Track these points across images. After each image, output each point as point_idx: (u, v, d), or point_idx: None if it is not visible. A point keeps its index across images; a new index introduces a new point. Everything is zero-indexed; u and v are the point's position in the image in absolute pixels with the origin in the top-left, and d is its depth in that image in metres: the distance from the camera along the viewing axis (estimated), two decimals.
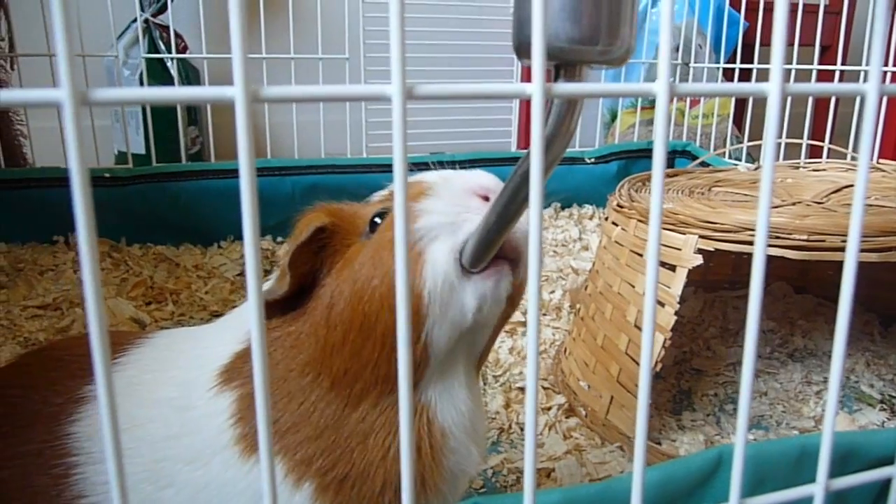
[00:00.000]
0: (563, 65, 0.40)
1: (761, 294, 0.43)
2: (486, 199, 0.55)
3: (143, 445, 0.57)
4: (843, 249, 0.85)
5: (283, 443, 0.55)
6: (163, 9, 2.15)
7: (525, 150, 0.58)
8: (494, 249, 0.50)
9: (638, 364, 0.95)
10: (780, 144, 1.62)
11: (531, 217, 0.36)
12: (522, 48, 0.40)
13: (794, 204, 1.03)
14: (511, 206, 0.46)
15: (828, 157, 1.48)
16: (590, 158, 1.97)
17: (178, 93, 0.31)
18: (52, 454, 0.58)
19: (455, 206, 0.54)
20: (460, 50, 2.15)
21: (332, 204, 0.61)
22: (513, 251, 0.55)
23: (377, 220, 0.57)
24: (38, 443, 0.59)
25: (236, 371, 0.58)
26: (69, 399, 0.61)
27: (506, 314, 0.58)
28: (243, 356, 0.58)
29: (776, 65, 0.40)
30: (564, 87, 0.36)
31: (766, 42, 1.67)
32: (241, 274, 1.57)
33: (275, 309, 0.58)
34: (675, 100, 2.18)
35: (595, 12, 0.39)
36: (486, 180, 0.56)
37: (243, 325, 0.61)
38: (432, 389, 0.56)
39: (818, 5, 1.65)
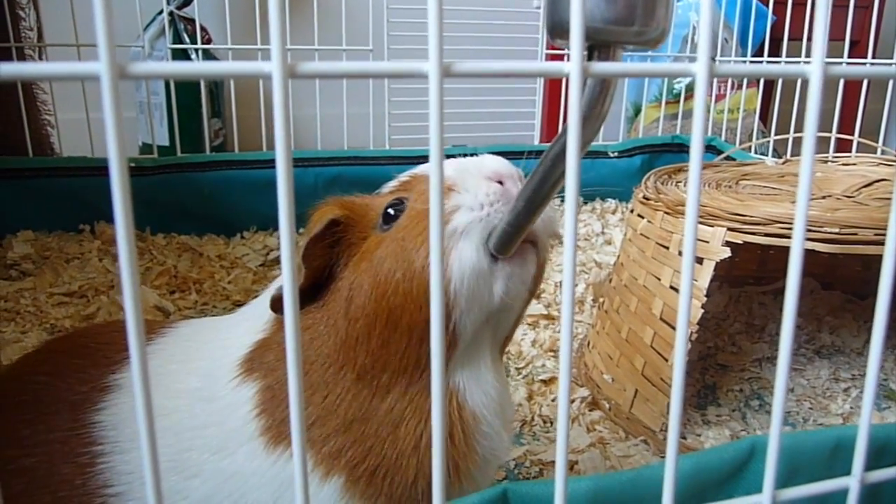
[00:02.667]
0: (597, 46, 0.40)
1: (799, 282, 0.42)
2: (501, 182, 0.55)
3: (169, 435, 0.57)
4: (875, 243, 0.84)
5: (309, 436, 0.55)
6: (187, 1, 2.16)
7: (548, 143, 0.58)
8: (523, 235, 0.50)
9: (664, 357, 0.94)
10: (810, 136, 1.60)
11: (567, 199, 0.36)
12: (557, 29, 0.40)
13: (824, 197, 1.01)
14: (540, 191, 0.46)
15: (857, 152, 1.46)
16: (613, 152, 1.96)
17: (214, 67, 0.31)
18: (77, 442, 0.58)
19: (479, 198, 0.53)
20: (483, 30, 2.15)
21: (345, 197, 0.61)
22: (531, 234, 0.54)
23: (390, 210, 0.57)
24: (64, 431, 0.59)
25: (257, 362, 0.58)
26: (94, 387, 0.61)
27: (528, 296, 0.58)
28: (263, 346, 0.58)
29: (818, 47, 0.39)
30: (602, 67, 0.35)
31: (794, 36, 1.65)
32: (264, 264, 1.58)
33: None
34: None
35: None
36: (498, 165, 0.56)
37: (262, 315, 0.61)
38: (460, 374, 0.56)
39: (847, 0, 1.63)
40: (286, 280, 0.32)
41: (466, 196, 0.54)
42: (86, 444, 0.58)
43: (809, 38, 1.66)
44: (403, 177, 0.60)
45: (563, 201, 0.56)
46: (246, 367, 0.58)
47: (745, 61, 2.02)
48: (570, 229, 0.36)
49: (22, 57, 1.55)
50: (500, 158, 0.57)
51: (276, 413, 0.55)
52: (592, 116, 0.41)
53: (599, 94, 0.40)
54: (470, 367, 0.56)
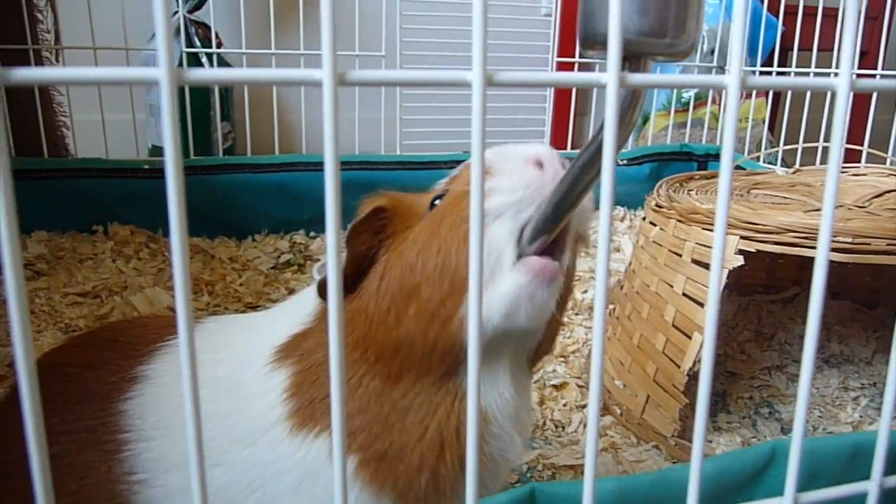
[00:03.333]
0: (629, 57, 0.41)
1: (824, 288, 0.43)
2: (541, 164, 0.54)
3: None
4: (888, 253, 0.85)
5: (330, 418, 0.55)
6: (199, 6, 2.18)
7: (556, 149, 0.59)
8: (552, 236, 0.50)
9: (676, 364, 0.95)
10: (837, 147, 1.61)
11: (602, 207, 0.37)
12: (590, 40, 0.41)
13: (836, 207, 1.02)
14: (568, 197, 0.47)
15: (866, 162, 1.46)
16: (622, 160, 1.97)
17: (269, 74, 0.32)
18: (104, 430, 0.59)
19: (517, 183, 0.53)
20: (493, 37, 2.17)
21: (396, 192, 0.62)
22: (558, 243, 0.54)
23: (436, 201, 0.57)
24: (92, 419, 0.60)
25: (292, 349, 0.59)
26: (122, 378, 0.62)
27: (556, 313, 0.56)
28: (300, 337, 0.59)
29: (846, 60, 0.40)
30: (637, 78, 0.36)
31: (805, 46, 1.66)
32: (275, 267, 1.59)
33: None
34: (709, 103, 2.17)
35: (664, 6, 0.39)
36: (540, 149, 0.56)
37: (302, 309, 0.61)
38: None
39: (859, 11, 1.63)
40: (331, 280, 0.33)
41: (502, 179, 0.53)
42: (112, 431, 0.59)
43: (820, 49, 1.67)
44: (455, 171, 0.61)
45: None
46: (280, 354, 0.59)
47: (754, 71, 2.03)
48: (603, 245, 0.37)
49: (39, 60, 1.57)
50: (542, 145, 0.56)
51: (304, 395, 0.56)
52: (622, 125, 0.42)
53: (630, 104, 0.41)
54: (486, 367, 0.57)
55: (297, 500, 0.56)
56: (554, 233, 0.50)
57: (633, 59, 0.40)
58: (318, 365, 0.57)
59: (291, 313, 0.62)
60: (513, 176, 0.53)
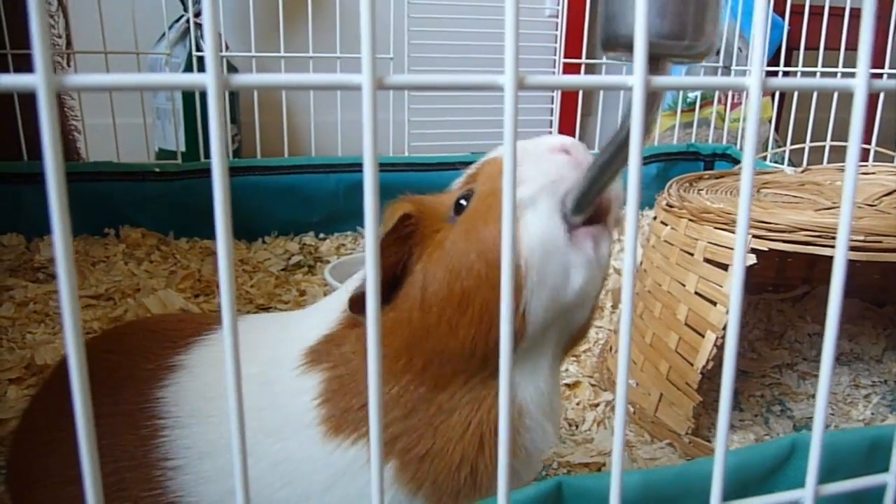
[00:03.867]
0: (648, 59, 0.41)
1: (843, 285, 0.44)
2: (567, 152, 0.54)
3: (223, 416, 0.59)
4: None
5: (367, 427, 0.55)
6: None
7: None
8: (594, 203, 0.50)
9: (689, 362, 0.95)
10: (854, 146, 1.62)
11: (629, 205, 0.38)
12: (611, 42, 0.41)
13: None
14: (617, 156, 0.47)
15: (874, 161, 1.47)
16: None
17: (309, 79, 0.33)
18: (141, 416, 0.60)
19: (545, 167, 0.53)
20: (498, 39, 2.18)
21: (414, 195, 0.62)
22: (602, 212, 0.54)
23: (462, 201, 0.57)
24: (129, 404, 0.61)
25: (325, 353, 0.59)
26: (160, 366, 0.63)
27: (602, 285, 0.57)
28: (332, 340, 0.60)
29: (863, 61, 0.41)
30: (662, 80, 0.37)
31: (811, 45, 1.67)
32: (286, 269, 1.60)
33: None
34: (715, 103, 2.18)
35: (682, 8, 0.40)
36: (561, 138, 0.56)
37: (334, 311, 0.62)
38: (519, 368, 0.57)
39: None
40: (370, 283, 0.34)
41: (530, 169, 0.53)
42: (149, 417, 0.60)
43: (827, 48, 1.68)
44: (471, 169, 0.61)
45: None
46: (312, 357, 0.59)
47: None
48: (631, 248, 0.38)
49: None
50: (558, 135, 0.57)
51: (339, 403, 0.57)
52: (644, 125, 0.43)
53: (648, 107, 0.42)
54: (530, 363, 0.57)
55: (329, 499, 0.57)
56: (597, 198, 0.50)
57: (651, 61, 0.41)
58: (354, 373, 0.57)
59: (321, 315, 0.62)
60: (540, 163, 0.54)
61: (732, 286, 0.40)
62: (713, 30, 0.42)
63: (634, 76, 0.36)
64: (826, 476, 0.49)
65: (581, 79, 0.35)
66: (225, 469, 0.58)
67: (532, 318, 0.53)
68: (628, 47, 0.37)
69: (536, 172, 0.53)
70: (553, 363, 0.59)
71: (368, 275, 0.34)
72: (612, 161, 0.47)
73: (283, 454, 0.57)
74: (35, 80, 0.30)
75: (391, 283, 0.58)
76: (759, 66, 0.37)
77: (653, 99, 0.42)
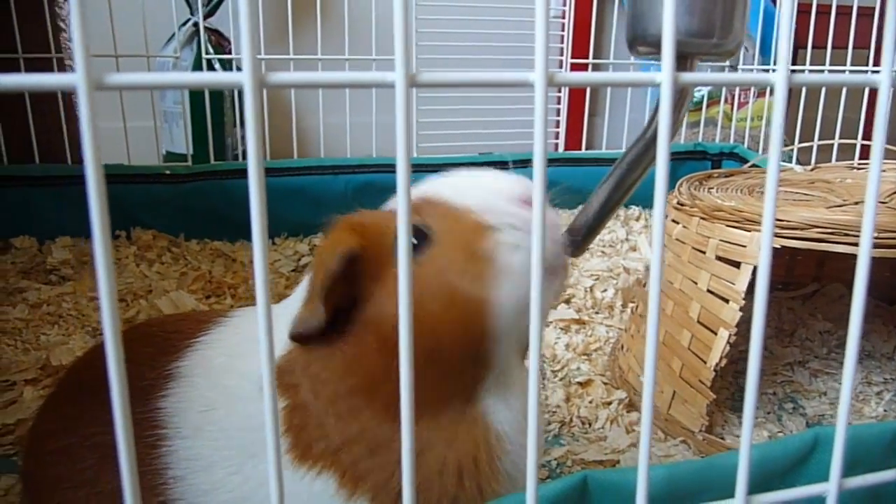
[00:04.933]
0: (676, 57, 0.42)
1: (866, 281, 0.44)
2: (528, 203, 0.54)
3: (214, 430, 0.59)
4: None
5: (334, 459, 0.55)
6: (211, 12, 2.20)
7: (572, 151, 0.60)
8: (596, 234, 0.52)
9: (702, 360, 0.96)
10: (879, 143, 1.62)
11: (656, 207, 0.38)
12: (637, 41, 0.42)
13: (856, 203, 1.03)
14: (615, 194, 0.48)
15: (884, 159, 1.47)
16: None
17: (344, 77, 0.33)
18: (146, 425, 0.60)
19: (523, 220, 0.53)
20: (503, 39, 2.19)
21: (354, 218, 0.58)
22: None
23: (413, 240, 0.54)
24: (135, 413, 0.61)
25: (280, 379, 0.57)
26: (160, 374, 0.63)
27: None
28: (284, 368, 0.58)
29: (888, 57, 0.41)
30: (689, 77, 0.37)
31: (818, 44, 1.67)
32: (296, 269, 1.60)
33: (314, 336, 0.56)
34: (722, 102, 2.18)
35: (711, 7, 0.40)
36: (521, 187, 0.56)
37: (285, 329, 0.58)
38: (489, 397, 0.57)
39: (873, 8, 1.65)
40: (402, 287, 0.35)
41: (508, 233, 0.53)
42: (153, 427, 0.60)
43: (835, 47, 1.68)
44: (413, 199, 0.59)
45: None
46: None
47: (766, 69, 2.05)
48: (658, 241, 0.38)
49: (62, 68, 1.59)
50: (510, 177, 0.56)
51: (300, 434, 0.56)
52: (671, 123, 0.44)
53: (676, 104, 0.43)
54: (498, 387, 0.57)
55: None
56: (599, 231, 0.51)
57: (680, 58, 0.42)
58: (308, 403, 0.56)
59: (278, 334, 0.59)
60: (514, 222, 0.54)
61: (759, 279, 0.41)
62: (741, 27, 0.43)
63: (663, 72, 0.36)
64: (848, 470, 0.49)
65: (610, 76, 0.36)
66: (216, 485, 0.58)
67: (502, 355, 0.54)
68: (656, 45, 0.37)
69: (513, 239, 0.53)
70: (519, 376, 0.58)
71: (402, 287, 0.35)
72: (634, 167, 0.48)
73: (262, 477, 0.56)
74: (75, 79, 0.31)
75: (337, 313, 0.55)
76: (785, 62, 0.38)
77: (681, 96, 0.43)
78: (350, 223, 0.56)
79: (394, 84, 0.33)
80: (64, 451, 0.63)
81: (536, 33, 0.34)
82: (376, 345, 0.54)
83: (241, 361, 0.61)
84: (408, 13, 0.32)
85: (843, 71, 1.65)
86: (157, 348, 0.66)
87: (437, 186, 0.57)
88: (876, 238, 0.87)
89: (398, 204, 0.34)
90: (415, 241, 0.53)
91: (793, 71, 0.39)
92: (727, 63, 2.16)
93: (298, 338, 0.56)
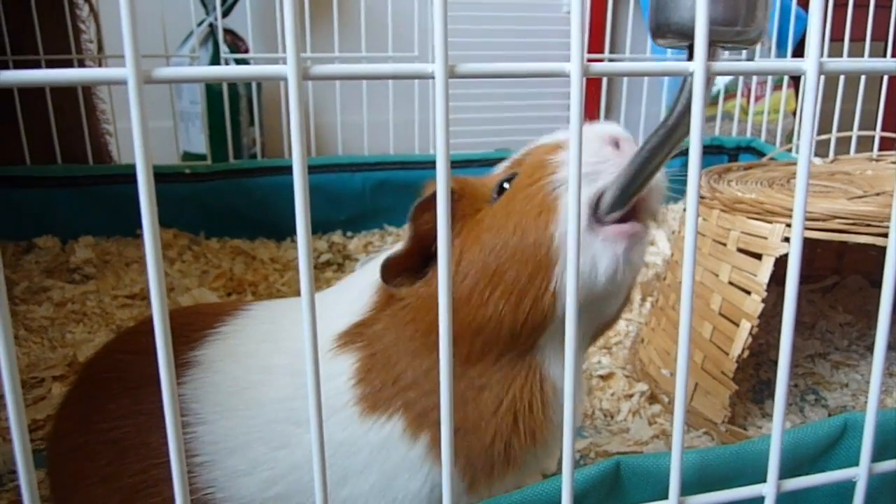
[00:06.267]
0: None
1: (895, 269, 0.45)
2: (617, 145, 0.56)
3: (255, 407, 0.60)
4: None
5: (404, 398, 0.57)
6: (226, 13, 2.21)
7: None
8: (630, 202, 0.52)
9: (724, 351, 0.96)
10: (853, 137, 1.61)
11: (689, 197, 0.39)
12: (661, 29, 0.42)
13: (877, 194, 1.03)
14: (634, 182, 0.49)
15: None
16: None
17: (385, 69, 0.34)
18: (161, 414, 0.62)
19: (590, 156, 0.54)
20: (513, 35, 2.19)
21: (459, 176, 0.62)
22: (639, 210, 0.56)
23: (505, 184, 0.59)
24: (150, 403, 0.62)
25: (357, 335, 0.60)
26: (176, 363, 0.64)
27: (634, 280, 0.59)
28: (364, 323, 0.61)
29: None
30: (720, 66, 0.38)
31: (836, 37, 1.67)
32: (315, 267, 1.62)
33: (401, 275, 0.60)
34: (738, 95, 2.18)
35: None
36: (616, 129, 0.58)
37: (361, 294, 0.63)
38: (549, 348, 0.58)
39: (890, 1, 1.64)
40: (442, 270, 0.35)
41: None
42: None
43: (852, 39, 1.67)
44: (517, 155, 0.63)
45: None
46: (343, 340, 0.60)
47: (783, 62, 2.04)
48: (691, 232, 0.39)
49: (83, 68, 1.61)
50: (616, 125, 0.58)
51: (374, 381, 0.58)
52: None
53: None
54: (557, 342, 0.58)
55: (368, 478, 0.58)
56: (634, 198, 0.51)
57: None
58: (388, 348, 0.59)
59: (348, 301, 0.63)
60: (587, 149, 0.54)
61: (790, 265, 0.41)
62: (764, 16, 0.43)
63: (695, 61, 0.37)
64: (877, 455, 0.50)
65: (642, 65, 0.36)
66: (256, 462, 0.59)
67: (563, 297, 0.54)
68: (679, 34, 0.38)
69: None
70: (581, 346, 0.60)
71: (441, 262, 0.36)
72: (654, 154, 0.48)
73: None
74: (126, 73, 0.32)
75: (426, 258, 0.59)
76: (816, 51, 0.38)
77: (706, 85, 0.43)
78: (453, 177, 0.62)
79: (434, 75, 0.34)
80: (82, 447, 0.64)
81: (572, 24, 0.34)
82: (452, 277, 0.57)
83: (286, 343, 0.63)
84: (446, 5, 0.33)
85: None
86: (172, 339, 0.67)
87: (542, 138, 0.62)
88: None
89: (437, 192, 0.35)
90: (507, 186, 0.58)
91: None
92: (744, 58, 2.16)
93: (387, 268, 0.59)
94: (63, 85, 0.31)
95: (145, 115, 0.32)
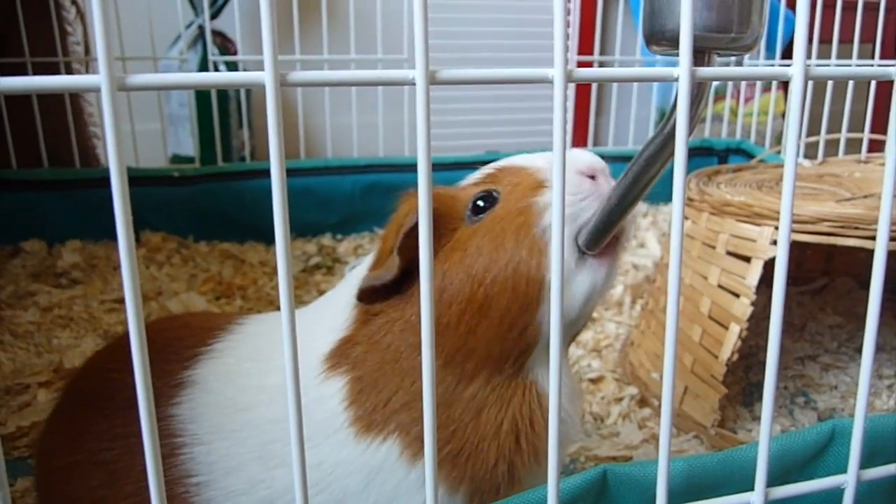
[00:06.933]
0: (694, 52, 0.42)
1: (883, 274, 0.44)
2: (594, 177, 0.57)
3: (250, 428, 0.60)
4: None
5: (397, 420, 0.57)
6: (215, 15, 2.20)
7: (578, 147, 0.61)
8: (612, 232, 0.52)
9: (713, 355, 0.96)
10: (841, 139, 1.62)
11: (674, 202, 0.38)
12: (656, 36, 0.42)
13: (865, 197, 1.03)
14: (632, 190, 0.49)
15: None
16: None
17: (365, 75, 0.34)
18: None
19: (572, 194, 0.56)
20: (506, 37, 2.19)
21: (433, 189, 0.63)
22: (615, 237, 0.57)
23: (479, 202, 0.59)
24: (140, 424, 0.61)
25: (343, 357, 0.60)
26: (168, 383, 0.63)
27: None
28: (347, 342, 0.60)
29: None
30: (706, 71, 0.38)
31: (825, 39, 1.67)
32: (305, 270, 1.61)
33: (380, 294, 0.60)
34: (727, 97, 2.18)
35: (729, 1, 0.40)
36: (592, 160, 0.58)
37: (342, 310, 0.62)
38: (538, 367, 0.59)
39: (878, 3, 1.65)
40: (424, 282, 0.35)
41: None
42: (165, 436, 0.60)
43: (841, 41, 1.68)
44: (488, 169, 0.62)
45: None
46: (332, 361, 0.60)
47: (772, 64, 2.04)
48: (677, 233, 0.39)
49: (70, 71, 1.60)
50: (591, 154, 0.59)
51: (366, 403, 0.58)
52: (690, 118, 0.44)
53: (694, 99, 0.43)
54: (547, 360, 0.58)
55: (367, 498, 0.57)
56: (615, 228, 0.52)
57: (697, 53, 0.42)
58: (373, 371, 0.59)
59: (328, 318, 0.63)
60: (569, 188, 0.56)
61: (776, 270, 0.41)
62: (759, 22, 0.43)
63: (680, 67, 0.36)
64: (866, 461, 0.50)
65: (628, 71, 0.36)
66: (254, 481, 0.59)
67: (544, 331, 0.56)
68: (674, 41, 0.37)
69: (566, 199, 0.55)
70: (564, 359, 0.62)
71: (423, 268, 0.35)
72: (634, 185, 0.48)
73: (315, 460, 0.57)
74: (98, 80, 0.31)
75: (404, 276, 0.59)
76: (802, 56, 0.38)
77: (699, 91, 0.43)
78: None
79: (414, 82, 0.33)
80: (71, 468, 0.63)
81: (555, 29, 0.34)
82: (436, 297, 0.57)
83: (276, 363, 0.62)
84: (426, 11, 0.32)
85: (850, 65, 1.65)
86: (161, 356, 0.66)
87: (517, 158, 0.62)
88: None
89: (419, 202, 0.34)
90: (482, 204, 0.58)
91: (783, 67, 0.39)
92: (733, 59, 2.16)
93: (367, 293, 0.59)
94: (32, 92, 0.30)
95: (119, 121, 0.32)
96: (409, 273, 0.59)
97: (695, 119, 0.43)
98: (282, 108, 0.32)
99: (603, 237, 0.53)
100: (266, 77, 0.31)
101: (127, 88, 0.32)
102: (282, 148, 0.32)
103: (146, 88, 0.32)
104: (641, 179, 0.47)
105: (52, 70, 1.57)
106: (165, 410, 0.62)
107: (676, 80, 0.36)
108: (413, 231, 0.57)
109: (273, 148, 0.32)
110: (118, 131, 0.32)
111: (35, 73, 1.49)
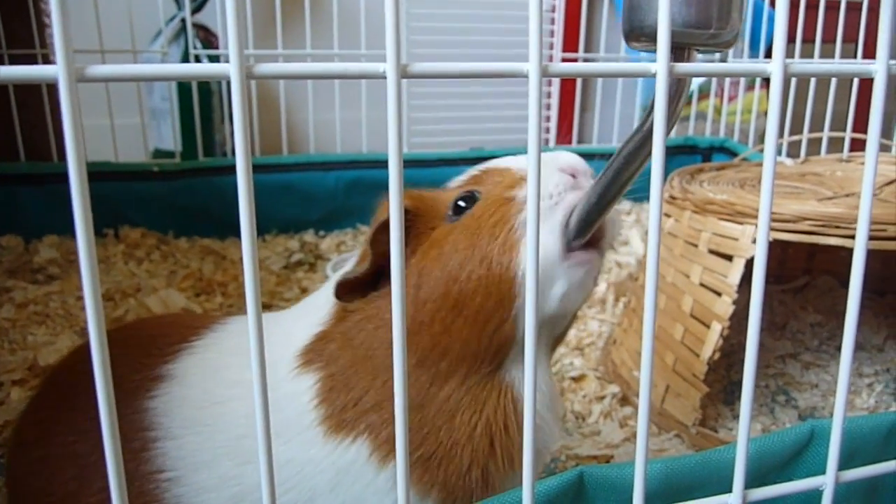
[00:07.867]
0: (673, 48, 0.41)
1: (862, 272, 0.44)
2: (574, 175, 0.56)
3: (223, 422, 0.59)
4: None
5: (368, 421, 0.56)
6: (198, 8, 2.18)
7: (563, 145, 0.60)
8: (594, 227, 0.52)
9: (695, 353, 0.96)
10: (874, 135, 1.62)
11: (652, 197, 0.37)
12: (633, 33, 0.41)
13: (847, 196, 1.03)
14: (613, 187, 0.48)
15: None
16: None
17: (334, 68, 0.33)
18: (130, 428, 0.59)
19: (549, 188, 0.55)
20: (492, 33, 2.19)
21: (413, 190, 0.62)
22: (596, 237, 0.56)
23: (461, 202, 0.59)
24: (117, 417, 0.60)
25: (316, 353, 0.59)
26: (147, 376, 0.63)
27: (585, 300, 0.60)
28: (322, 338, 0.60)
29: (882, 46, 0.41)
30: (684, 67, 0.37)
31: (807, 38, 1.68)
32: (287, 266, 1.59)
33: (355, 291, 0.59)
34: (712, 96, 2.18)
35: None
36: (572, 160, 0.58)
37: (320, 309, 0.62)
38: (516, 369, 0.58)
39: (861, 2, 1.65)
40: (395, 274, 0.34)
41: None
42: (139, 429, 0.60)
43: (824, 41, 1.68)
44: (474, 171, 0.62)
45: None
46: (305, 358, 0.59)
47: (756, 63, 2.05)
48: (654, 230, 0.38)
49: (48, 63, 1.57)
50: (573, 154, 0.59)
51: (336, 401, 0.57)
52: (668, 115, 0.43)
53: (674, 95, 0.42)
54: (523, 363, 0.58)
55: (335, 499, 0.57)
56: (598, 223, 0.51)
57: (677, 49, 0.41)
58: (346, 369, 0.58)
59: (309, 315, 0.63)
60: (548, 182, 0.55)
61: (755, 268, 0.40)
62: (738, 18, 0.42)
63: (658, 63, 0.35)
64: (845, 462, 0.49)
65: (604, 66, 0.35)
66: (224, 477, 0.58)
67: (522, 326, 0.55)
68: (653, 37, 0.36)
69: (542, 193, 0.55)
70: (546, 362, 0.61)
71: (394, 266, 0.34)
72: (624, 168, 0.47)
73: (285, 457, 0.56)
74: (56, 71, 0.30)
75: (379, 275, 0.59)
76: (782, 53, 0.37)
77: (678, 87, 0.42)
78: (406, 192, 0.61)
79: (385, 75, 0.32)
80: (44, 460, 0.62)
81: (530, 23, 0.33)
82: (410, 300, 0.56)
83: (244, 359, 0.61)
84: (398, 5, 0.31)
85: (832, 63, 1.65)
86: (142, 351, 0.65)
87: (503, 160, 0.62)
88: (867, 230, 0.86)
89: (390, 197, 0.34)
90: (463, 205, 0.58)
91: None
92: (717, 56, 2.16)
93: (343, 288, 0.58)
94: None
95: (77, 114, 0.31)
96: (386, 270, 0.58)
97: (674, 116, 0.43)
98: (256, 103, 0.31)
99: (585, 231, 0.52)
100: (231, 69, 0.30)
101: (86, 79, 0.31)
102: (247, 141, 0.31)
103: (106, 80, 0.31)
104: (622, 176, 0.47)
105: (30, 62, 1.54)
106: (142, 404, 0.61)
107: (654, 75, 0.35)
108: (384, 227, 0.57)
109: (238, 141, 0.31)
110: (77, 125, 0.31)
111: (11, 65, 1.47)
